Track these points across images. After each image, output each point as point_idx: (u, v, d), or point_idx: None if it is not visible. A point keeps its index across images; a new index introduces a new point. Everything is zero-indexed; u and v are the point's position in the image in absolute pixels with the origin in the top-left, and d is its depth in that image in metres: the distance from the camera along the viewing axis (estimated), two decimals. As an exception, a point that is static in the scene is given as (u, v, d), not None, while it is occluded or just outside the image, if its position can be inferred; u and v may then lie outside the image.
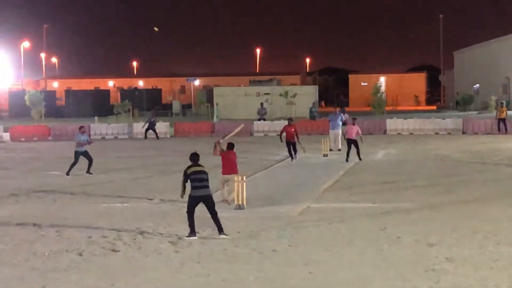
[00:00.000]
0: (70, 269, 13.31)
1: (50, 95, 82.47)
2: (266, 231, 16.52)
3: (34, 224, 17.66)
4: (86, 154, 28.03)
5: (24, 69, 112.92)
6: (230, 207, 19.26)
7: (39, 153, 39.27)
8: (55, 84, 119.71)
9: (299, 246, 15.04)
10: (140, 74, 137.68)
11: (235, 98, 74.25)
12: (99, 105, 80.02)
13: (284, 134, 32.01)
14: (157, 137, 47.46)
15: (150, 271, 13.11)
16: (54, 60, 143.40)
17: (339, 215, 18.36)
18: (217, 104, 66.96)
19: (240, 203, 19.28)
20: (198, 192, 15.91)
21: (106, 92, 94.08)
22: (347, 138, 31.01)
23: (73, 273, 13.02)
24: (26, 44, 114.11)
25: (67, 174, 27.78)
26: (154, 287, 12.12)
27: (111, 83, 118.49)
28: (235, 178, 19.47)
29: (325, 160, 32.34)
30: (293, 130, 31.06)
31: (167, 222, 17.75)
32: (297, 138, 31.17)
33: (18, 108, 77.48)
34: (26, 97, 69.09)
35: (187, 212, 15.98)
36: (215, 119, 61.52)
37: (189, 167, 16.16)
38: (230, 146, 20.80)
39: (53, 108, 79.40)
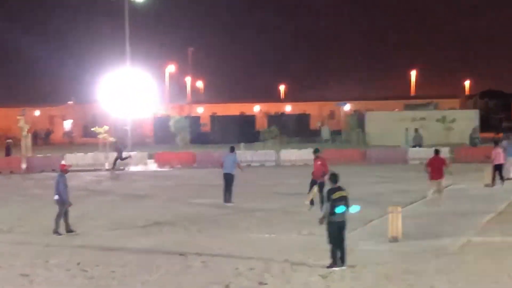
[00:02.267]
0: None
1: (195, 121, 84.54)
2: (423, 266, 16.36)
3: (180, 254, 18.24)
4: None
5: (169, 94, 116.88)
6: (385, 240, 19.13)
7: (183, 180, 40.38)
8: (200, 109, 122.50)
9: (459, 283, 14.80)
10: (288, 99, 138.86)
11: (389, 123, 73.57)
12: (245, 131, 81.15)
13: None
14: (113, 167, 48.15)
15: (299, 305, 13.27)
16: (199, 84, 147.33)
17: (503, 251, 17.91)
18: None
19: (394, 235, 19.17)
20: (336, 218, 16.23)
21: (252, 118, 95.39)
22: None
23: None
24: (171, 68, 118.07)
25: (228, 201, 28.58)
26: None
27: (257, 108, 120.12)
28: (389, 209, 19.36)
29: (487, 190, 31.56)
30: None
31: (317, 254, 17.86)
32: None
33: (163, 134, 79.76)
34: (171, 123, 71.17)
35: (329, 242, 16.31)
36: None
37: (333, 190, 16.46)
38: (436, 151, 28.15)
39: (198, 134, 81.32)
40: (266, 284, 14.98)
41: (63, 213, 21.73)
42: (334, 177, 16.89)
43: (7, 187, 38.71)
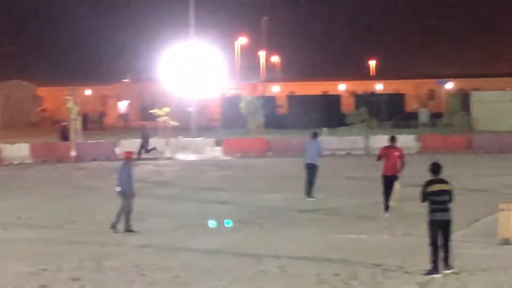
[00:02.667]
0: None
1: (269, 102, 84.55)
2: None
3: (254, 257, 18.30)
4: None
5: (240, 70, 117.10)
6: (495, 242, 18.86)
7: (256, 171, 40.49)
8: (276, 89, 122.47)
9: None
10: (379, 76, 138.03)
11: (500, 105, 72.38)
12: (329, 114, 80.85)
13: None
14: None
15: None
16: (274, 59, 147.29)
17: None
18: None
19: (505, 237, 18.91)
20: (436, 216, 16.20)
21: (337, 98, 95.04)
22: None
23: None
24: (242, 40, 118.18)
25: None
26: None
27: (342, 86, 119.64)
28: (500, 206, 19.07)
29: None
30: None
31: (414, 258, 17.74)
32: None
33: (232, 117, 79.96)
34: (241, 104, 71.43)
35: (429, 244, 16.26)
36: None
37: (430, 182, 16.44)
38: None
39: (273, 117, 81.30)
40: (353, 292, 14.96)
41: (126, 208, 21.95)
42: (435, 167, 16.73)
43: (55, 178, 39.42)
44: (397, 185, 23.99)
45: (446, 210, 16.26)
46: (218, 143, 52.84)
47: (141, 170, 40.75)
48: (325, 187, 29.80)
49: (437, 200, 16.23)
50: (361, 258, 17.91)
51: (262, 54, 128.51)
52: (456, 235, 19.45)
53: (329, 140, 52.26)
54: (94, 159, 48.04)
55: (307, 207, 26.72)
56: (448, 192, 16.31)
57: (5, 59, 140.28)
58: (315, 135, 30.11)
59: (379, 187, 30.53)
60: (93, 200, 30.04)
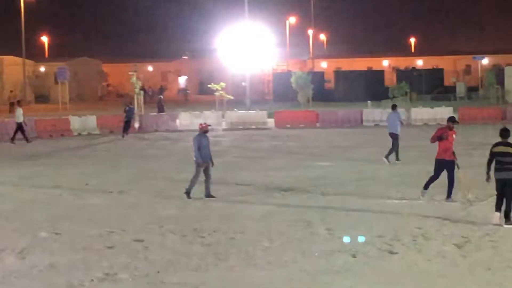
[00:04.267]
0: (343, 271, 13.66)
1: (318, 77, 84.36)
2: None
3: (304, 221, 18.30)
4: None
5: (290, 48, 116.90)
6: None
7: (306, 141, 40.48)
8: (324, 65, 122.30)
9: None
10: (419, 52, 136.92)
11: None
12: (373, 88, 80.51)
13: None
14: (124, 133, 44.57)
15: (433, 277, 13.13)
16: (322, 37, 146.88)
17: None
18: None
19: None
20: (498, 175, 17.06)
21: (380, 73, 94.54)
22: None
23: (346, 276, 13.35)
24: (292, 19, 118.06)
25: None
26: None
27: (385, 62, 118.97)
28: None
29: None
30: None
31: (453, 222, 17.63)
32: None
33: (283, 91, 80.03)
34: (292, 79, 71.30)
35: (497, 192, 17.21)
36: None
37: (496, 144, 17.32)
38: None
39: (321, 91, 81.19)
40: (396, 253, 14.87)
41: (198, 175, 21.91)
42: (505, 132, 17.53)
43: (120, 147, 39.74)
44: (460, 173, 20.82)
45: (509, 169, 16.91)
46: (270, 115, 52.88)
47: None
48: (369, 156, 29.61)
49: (501, 160, 17.01)
50: (403, 222, 17.84)
51: (310, 32, 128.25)
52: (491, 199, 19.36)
53: (373, 112, 52.10)
54: (156, 130, 48.36)
55: (352, 175, 26.63)
56: (509, 154, 16.94)
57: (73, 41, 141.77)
58: (395, 107, 31.21)
59: (417, 154, 30.44)
60: (154, 168, 30.23)
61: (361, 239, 15.87)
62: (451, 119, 21.34)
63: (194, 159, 21.83)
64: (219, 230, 17.42)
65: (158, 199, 22.33)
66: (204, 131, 22.24)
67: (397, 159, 29.45)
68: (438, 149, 20.69)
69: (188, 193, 21.81)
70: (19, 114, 41.36)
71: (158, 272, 13.84)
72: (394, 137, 29.59)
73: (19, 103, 45.14)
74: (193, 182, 21.90)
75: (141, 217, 19.47)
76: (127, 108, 45.23)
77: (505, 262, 13.96)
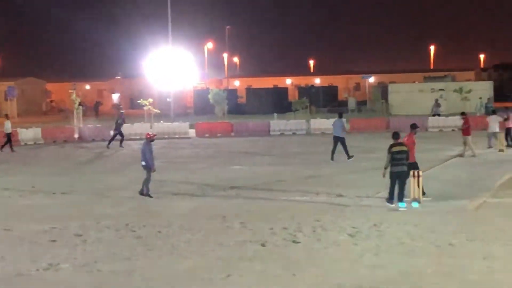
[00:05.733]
0: (254, 259, 13.72)
1: (232, 93, 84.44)
2: (443, 225, 16.32)
3: (221, 216, 18.29)
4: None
5: (208, 68, 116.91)
6: (408, 201, 18.97)
7: (223, 148, 40.44)
8: (237, 83, 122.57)
9: (476, 240, 14.73)
10: (317, 72, 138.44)
11: (410, 94, 73.03)
12: (278, 103, 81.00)
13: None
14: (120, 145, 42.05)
15: (330, 263, 13.29)
16: (235, 60, 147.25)
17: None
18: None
19: (416, 197, 19.04)
20: (395, 169, 18.22)
21: (285, 90, 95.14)
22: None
23: (257, 263, 13.41)
24: (209, 45, 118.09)
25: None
26: (334, 278, 12.28)
27: (288, 81, 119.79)
28: (411, 173, 19.23)
29: (501, 155, 31.28)
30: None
31: (346, 215, 17.88)
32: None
33: (202, 106, 79.96)
34: (209, 96, 71.17)
35: (390, 184, 18.35)
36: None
37: (392, 145, 18.41)
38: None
39: (235, 106, 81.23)
40: (299, 242, 15.00)
41: (150, 177, 21.78)
42: (396, 134, 18.87)
43: (62, 155, 39.08)
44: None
45: (403, 164, 18.23)
46: (191, 126, 52.69)
47: (130, 148, 40.54)
48: (276, 160, 29.76)
49: (397, 157, 18.19)
50: (304, 216, 17.99)
51: (225, 55, 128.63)
52: (379, 196, 19.75)
53: (279, 123, 52.39)
54: (93, 140, 47.73)
55: (262, 177, 26.72)
56: (404, 152, 18.27)
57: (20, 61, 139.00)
58: (341, 115, 31.56)
59: (317, 160, 30.77)
60: (92, 172, 29.83)
61: None
62: (414, 126, 20.71)
63: (144, 163, 21.70)
64: (148, 225, 17.32)
65: (95, 199, 22.07)
66: (150, 140, 22.18)
67: (348, 157, 29.59)
68: (412, 153, 19.57)
69: (148, 194, 21.71)
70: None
71: (96, 262, 13.70)
72: (339, 139, 29.90)
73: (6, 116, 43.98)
74: (147, 183, 21.76)
75: (80, 215, 19.20)
76: (119, 121, 44.03)
77: (390, 248, 14.22)
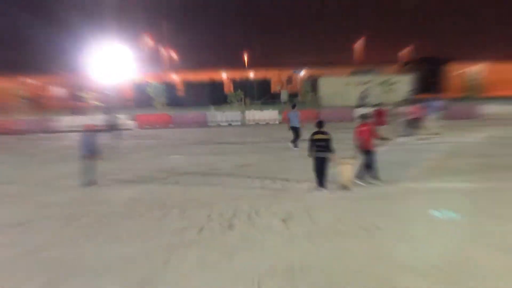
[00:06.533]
0: (193, 244, 13.71)
1: (170, 87, 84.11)
2: (368, 208, 16.60)
3: (160, 204, 18.21)
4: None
5: (147, 62, 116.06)
6: (337, 187, 19.20)
7: (162, 139, 40.20)
8: (175, 77, 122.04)
9: (398, 222, 15.04)
10: (251, 66, 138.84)
11: (339, 87, 73.87)
12: (214, 95, 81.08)
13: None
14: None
15: (263, 246, 13.37)
16: (173, 54, 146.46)
17: (436, 193, 18.19)
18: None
19: (344, 184, 19.27)
20: (318, 155, 18.50)
21: (221, 83, 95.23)
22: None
23: (195, 248, 13.40)
24: (148, 40, 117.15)
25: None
26: (267, 261, 12.35)
27: (224, 74, 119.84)
28: (339, 161, 19.46)
29: (421, 143, 31.91)
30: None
31: (279, 201, 17.99)
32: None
33: (142, 99, 79.40)
34: (149, 89, 70.73)
35: (314, 170, 18.61)
36: None
37: (314, 133, 18.65)
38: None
39: (173, 98, 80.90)
40: (234, 228, 15.03)
41: (94, 166, 21.63)
42: (320, 123, 18.87)
43: (2, 146, 38.29)
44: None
45: (324, 151, 18.34)
46: (131, 118, 52.24)
47: (72, 140, 39.93)
48: (213, 150, 29.71)
49: (319, 144, 18.40)
50: (240, 203, 18.03)
51: (163, 50, 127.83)
52: (311, 183, 19.90)
53: (215, 114, 52.37)
54: (34, 132, 46.92)
55: (200, 167, 26.67)
56: (324, 140, 18.42)
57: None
58: (294, 107, 31.48)
59: (251, 148, 30.91)
60: (36, 163, 29.30)
61: None
62: (364, 116, 20.20)
63: (88, 153, 21.48)
64: (91, 213, 17.12)
65: (40, 189, 21.68)
66: (89, 130, 22.00)
67: (295, 146, 30.01)
68: (369, 141, 19.52)
69: (93, 182, 21.65)
70: None
71: (37, 249, 13.48)
72: (295, 129, 30.29)
73: None
74: (92, 172, 21.69)
75: (25, 205, 18.84)
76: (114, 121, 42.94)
77: (320, 232, 14.37)
